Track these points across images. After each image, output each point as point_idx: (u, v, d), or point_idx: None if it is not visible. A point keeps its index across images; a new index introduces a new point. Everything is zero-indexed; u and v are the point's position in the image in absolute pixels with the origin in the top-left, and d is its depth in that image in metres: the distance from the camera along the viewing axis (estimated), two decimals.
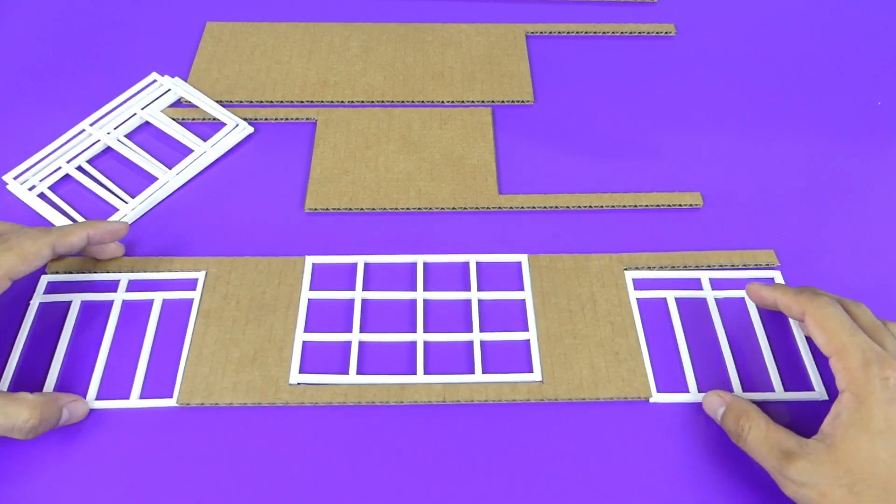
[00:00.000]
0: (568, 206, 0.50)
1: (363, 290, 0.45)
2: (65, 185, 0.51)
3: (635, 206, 0.50)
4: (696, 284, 0.46)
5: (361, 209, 0.49)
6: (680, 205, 0.50)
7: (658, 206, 0.50)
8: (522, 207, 0.50)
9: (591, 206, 0.50)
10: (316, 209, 0.49)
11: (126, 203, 0.49)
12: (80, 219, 0.49)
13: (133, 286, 0.45)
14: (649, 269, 0.47)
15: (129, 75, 0.58)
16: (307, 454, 0.39)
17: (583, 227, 0.49)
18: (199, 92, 0.56)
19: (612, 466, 0.38)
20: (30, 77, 0.58)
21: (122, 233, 0.44)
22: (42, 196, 0.50)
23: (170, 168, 0.51)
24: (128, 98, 0.56)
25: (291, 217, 0.49)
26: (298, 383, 0.41)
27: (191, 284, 0.45)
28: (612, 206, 0.50)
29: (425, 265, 0.47)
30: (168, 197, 0.50)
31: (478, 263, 0.47)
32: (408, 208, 0.49)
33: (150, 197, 0.50)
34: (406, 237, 0.48)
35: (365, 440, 0.39)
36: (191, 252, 0.47)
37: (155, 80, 0.57)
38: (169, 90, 0.56)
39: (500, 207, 0.50)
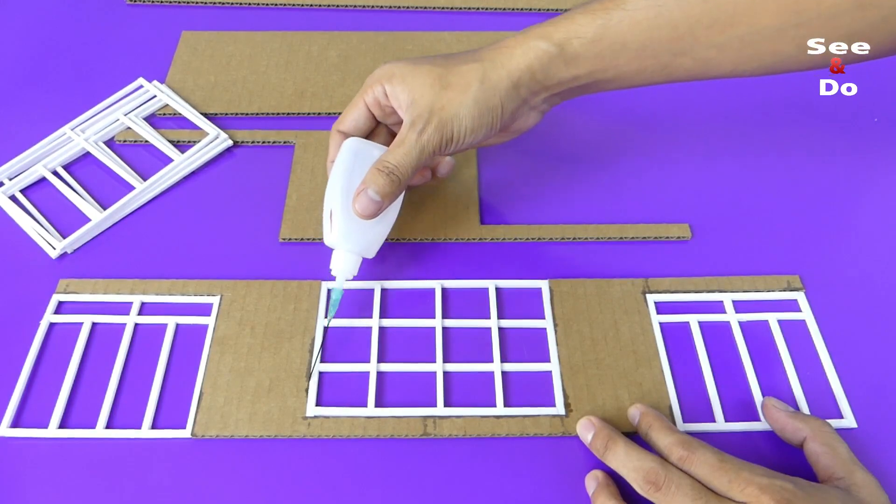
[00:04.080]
0: (552, 238, 0.48)
1: (380, 317, 0.44)
2: (40, 189, 0.50)
3: (621, 238, 0.49)
4: (719, 308, 0.45)
5: None
6: (668, 237, 0.49)
7: (645, 238, 0.49)
8: (503, 239, 0.48)
9: (575, 238, 0.49)
10: (290, 239, 0.48)
11: (99, 212, 0.48)
12: (46, 224, 0.48)
13: (146, 309, 0.44)
14: (671, 292, 0.46)
15: (108, 83, 0.57)
16: (325, 489, 0.38)
17: (570, 257, 0.48)
18: (182, 100, 0.55)
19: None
20: (10, 83, 0.58)
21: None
22: (13, 198, 0.50)
23: (146, 178, 0.50)
24: (113, 103, 0.55)
25: (266, 245, 0.48)
26: (315, 416, 0.40)
27: (205, 309, 0.44)
28: (598, 238, 0.49)
29: (443, 290, 0.46)
30: (142, 207, 0.50)
31: (497, 289, 0.46)
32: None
33: (123, 207, 0.49)
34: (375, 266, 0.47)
35: (384, 474, 0.38)
36: (159, 269, 0.46)
37: (141, 86, 0.56)
38: (154, 96, 0.56)
39: (480, 239, 0.48)
